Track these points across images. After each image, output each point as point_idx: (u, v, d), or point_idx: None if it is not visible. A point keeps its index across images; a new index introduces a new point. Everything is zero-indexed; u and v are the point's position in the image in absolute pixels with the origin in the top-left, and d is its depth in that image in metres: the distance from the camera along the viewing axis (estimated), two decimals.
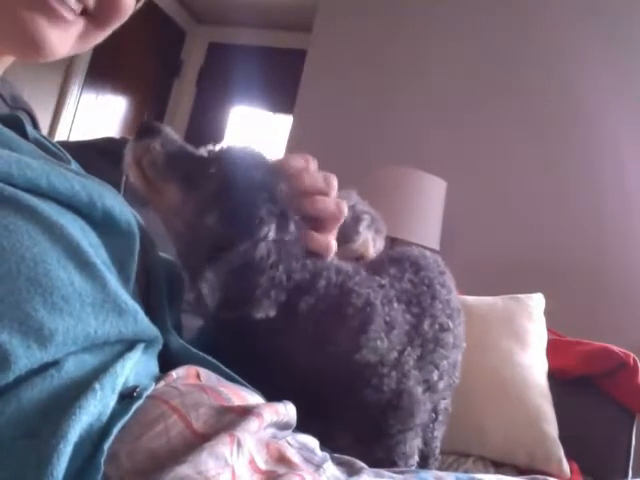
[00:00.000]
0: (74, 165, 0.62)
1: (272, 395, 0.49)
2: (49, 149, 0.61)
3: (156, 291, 0.56)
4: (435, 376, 0.67)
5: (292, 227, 0.57)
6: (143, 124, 0.61)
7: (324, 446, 0.52)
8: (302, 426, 0.50)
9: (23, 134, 0.58)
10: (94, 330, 0.41)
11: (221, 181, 0.57)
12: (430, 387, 0.67)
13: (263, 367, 0.58)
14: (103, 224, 0.48)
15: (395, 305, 0.64)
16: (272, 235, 0.55)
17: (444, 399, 0.76)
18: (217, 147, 0.61)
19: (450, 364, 0.71)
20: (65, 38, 0.56)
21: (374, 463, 0.57)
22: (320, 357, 0.60)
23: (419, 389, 0.64)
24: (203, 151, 0.61)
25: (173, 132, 0.62)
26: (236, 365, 0.56)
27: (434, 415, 0.74)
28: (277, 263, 0.55)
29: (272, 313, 0.56)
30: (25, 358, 0.37)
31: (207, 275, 0.52)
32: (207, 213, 0.56)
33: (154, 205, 0.62)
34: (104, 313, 0.42)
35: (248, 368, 0.56)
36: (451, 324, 0.70)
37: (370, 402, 0.61)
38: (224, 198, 0.56)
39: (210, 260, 0.53)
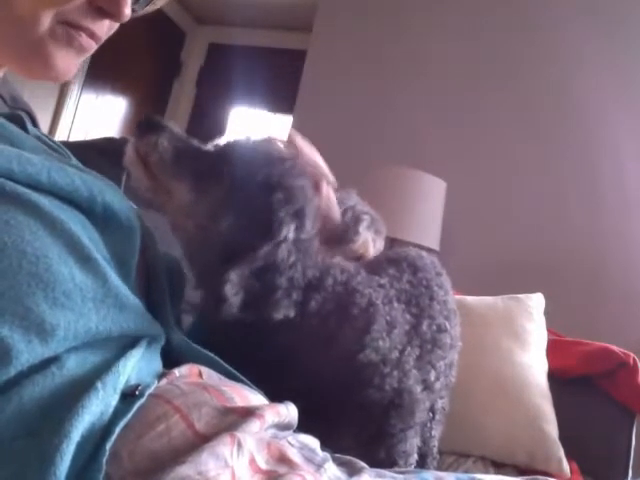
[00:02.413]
0: (74, 162, 0.62)
1: (277, 395, 0.49)
2: (50, 147, 0.61)
3: (157, 287, 0.56)
4: (432, 376, 0.68)
5: (308, 225, 0.56)
6: (145, 119, 0.60)
7: (328, 447, 0.52)
8: (306, 427, 0.50)
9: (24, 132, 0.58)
10: (95, 325, 0.42)
11: (233, 181, 0.56)
12: (428, 387, 0.67)
13: (269, 367, 0.58)
14: (104, 219, 0.48)
15: (395, 305, 0.64)
16: (291, 236, 0.54)
17: (441, 398, 0.76)
18: (224, 142, 0.60)
19: (447, 364, 0.71)
20: (80, 62, 0.59)
21: (376, 463, 0.57)
22: (325, 357, 0.60)
23: (418, 388, 0.65)
24: (209, 146, 0.60)
25: (176, 126, 0.61)
26: (242, 365, 0.56)
27: (431, 414, 0.75)
28: (296, 263, 0.55)
29: (292, 314, 0.56)
30: (26, 353, 0.37)
31: (231, 277, 0.52)
32: (221, 215, 0.55)
33: (161, 204, 0.60)
34: (105, 308, 0.43)
35: (254, 368, 0.56)
36: (448, 325, 0.71)
37: (373, 401, 0.61)
38: (238, 200, 0.55)
39: (231, 262, 0.52)
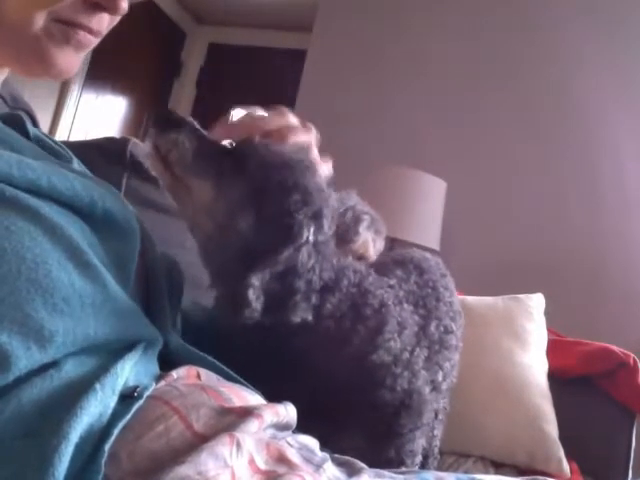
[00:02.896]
0: (76, 162, 0.62)
1: (287, 397, 0.49)
2: (51, 147, 0.61)
3: (156, 290, 0.56)
4: (440, 377, 0.68)
5: (325, 226, 0.56)
6: (163, 114, 0.58)
7: (337, 446, 0.52)
8: (315, 427, 0.50)
9: (24, 132, 0.58)
10: (94, 331, 0.42)
11: (251, 181, 0.55)
12: (435, 387, 0.68)
13: (282, 370, 0.58)
14: (103, 224, 0.48)
15: (405, 306, 0.64)
16: (311, 239, 0.54)
17: (443, 398, 0.77)
18: (242, 141, 0.59)
19: (452, 365, 0.72)
20: (81, 58, 0.58)
21: (385, 462, 0.58)
22: (338, 358, 0.60)
23: (427, 389, 0.65)
24: (227, 143, 0.59)
25: (195, 122, 0.59)
26: (253, 368, 0.56)
27: (434, 414, 0.75)
28: (314, 266, 0.55)
29: (310, 317, 0.56)
30: (25, 359, 0.37)
31: (252, 281, 0.51)
32: (240, 215, 0.54)
33: (179, 203, 0.59)
34: (104, 314, 0.42)
35: (265, 370, 0.56)
36: (454, 326, 0.71)
37: (385, 402, 0.62)
38: (257, 201, 0.54)
39: (252, 266, 0.52)
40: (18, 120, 0.59)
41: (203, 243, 0.59)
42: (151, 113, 0.59)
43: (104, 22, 0.56)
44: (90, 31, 0.55)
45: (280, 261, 0.52)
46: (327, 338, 0.59)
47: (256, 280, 0.51)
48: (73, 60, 0.56)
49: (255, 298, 0.52)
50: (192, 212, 0.58)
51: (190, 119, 0.59)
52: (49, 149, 0.61)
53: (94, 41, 0.57)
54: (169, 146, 0.57)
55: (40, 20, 0.51)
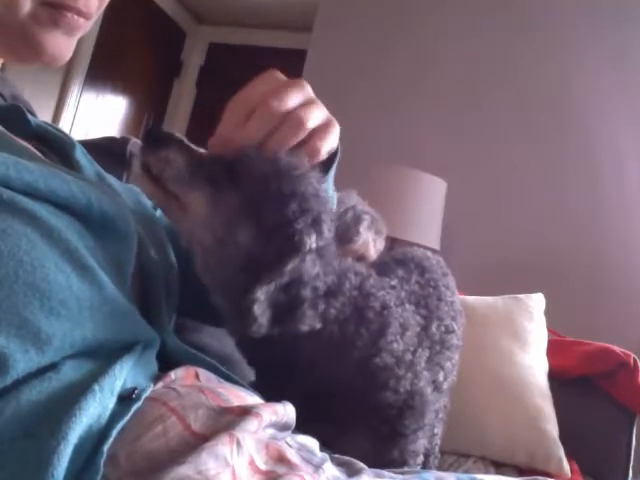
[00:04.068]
0: (78, 149, 0.62)
1: (290, 400, 0.48)
2: (53, 134, 0.60)
3: (153, 292, 0.55)
4: (441, 377, 0.68)
5: (325, 230, 0.55)
6: (150, 132, 0.57)
7: (341, 448, 0.52)
8: (320, 429, 0.50)
9: (25, 122, 0.58)
10: (92, 333, 0.41)
11: (246, 192, 0.54)
12: (437, 387, 0.68)
13: (285, 374, 0.58)
14: (100, 226, 0.48)
15: (407, 306, 0.64)
16: (314, 246, 0.53)
17: (444, 397, 0.77)
18: (233, 151, 0.58)
19: (453, 365, 0.72)
20: (74, 42, 0.57)
21: (389, 462, 0.58)
22: (342, 362, 0.60)
23: (429, 389, 0.65)
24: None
25: (182, 136, 0.58)
26: (257, 371, 0.56)
27: (435, 413, 0.75)
28: (319, 273, 0.55)
29: (318, 325, 0.55)
30: (23, 362, 0.37)
31: (258, 295, 0.51)
32: (239, 227, 0.53)
33: (174, 219, 0.59)
34: (101, 316, 0.42)
35: (269, 376, 0.56)
36: (455, 326, 0.71)
37: (388, 404, 0.62)
38: (254, 212, 0.53)
39: (256, 279, 0.51)
40: (18, 111, 0.59)
41: (201, 256, 0.58)
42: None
43: (92, 2, 0.55)
44: (79, 12, 0.54)
45: (285, 273, 0.52)
46: (331, 343, 0.58)
47: (261, 294, 0.51)
48: (64, 44, 0.55)
49: (261, 313, 0.51)
50: (189, 227, 0.57)
51: (178, 135, 0.58)
52: (51, 136, 0.60)
53: (84, 23, 0.56)
54: (162, 164, 0.56)
55: (26, 5, 0.51)
